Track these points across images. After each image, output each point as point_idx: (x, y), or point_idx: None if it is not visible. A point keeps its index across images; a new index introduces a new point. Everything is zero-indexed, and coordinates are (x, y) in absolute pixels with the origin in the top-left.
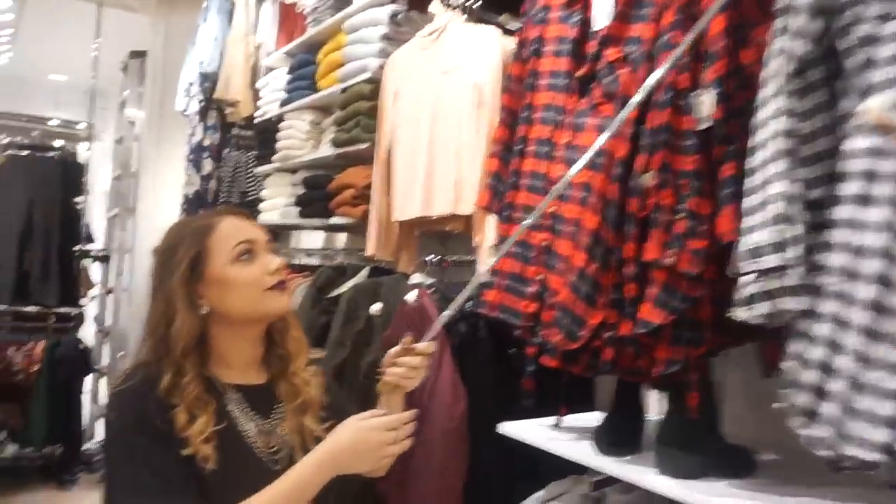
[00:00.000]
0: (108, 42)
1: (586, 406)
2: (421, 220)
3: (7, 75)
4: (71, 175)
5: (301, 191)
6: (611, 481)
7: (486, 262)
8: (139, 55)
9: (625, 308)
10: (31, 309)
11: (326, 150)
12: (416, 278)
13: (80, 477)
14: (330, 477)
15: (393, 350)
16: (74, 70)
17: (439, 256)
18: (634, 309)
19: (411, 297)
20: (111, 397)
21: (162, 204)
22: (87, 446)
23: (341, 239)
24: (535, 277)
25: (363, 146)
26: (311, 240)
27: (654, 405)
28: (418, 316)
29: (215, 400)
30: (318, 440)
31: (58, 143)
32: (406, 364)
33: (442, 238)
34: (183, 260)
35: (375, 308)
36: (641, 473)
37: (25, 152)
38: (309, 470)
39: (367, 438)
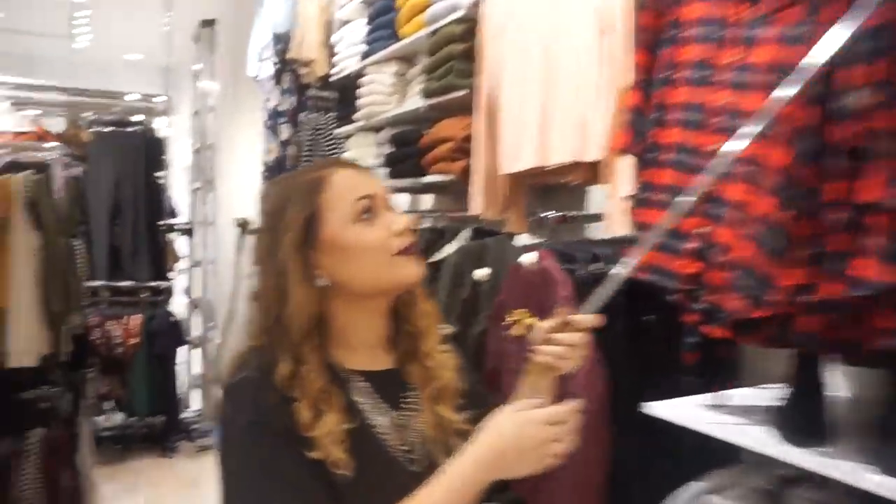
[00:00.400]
0: (180, 15)
1: (727, 379)
2: (534, 172)
3: (84, 59)
4: (153, 150)
5: (389, 149)
6: (789, 473)
7: (616, 215)
8: (210, 24)
9: (828, 264)
10: (125, 284)
11: (415, 103)
12: (523, 238)
13: (180, 445)
14: (491, 480)
15: (545, 324)
16: (149, 48)
17: (560, 213)
18: (843, 265)
19: (529, 259)
20: (225, 391)
21: (241, 174)
22: (184, 415)
23: (426, 200)
24: (696, 231)
25: (459, 94)
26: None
27: (837, 383)
28: (540, 281)
29: (340, 391)
30: (460, 434)
31: (137, 118)
32: (564, 342)
33: (544, 192)
34: (293, 223)
35: (482, 273)
36: (854, 471)
37: (109, 128)
38: (469, 471)
39: (531, 434)
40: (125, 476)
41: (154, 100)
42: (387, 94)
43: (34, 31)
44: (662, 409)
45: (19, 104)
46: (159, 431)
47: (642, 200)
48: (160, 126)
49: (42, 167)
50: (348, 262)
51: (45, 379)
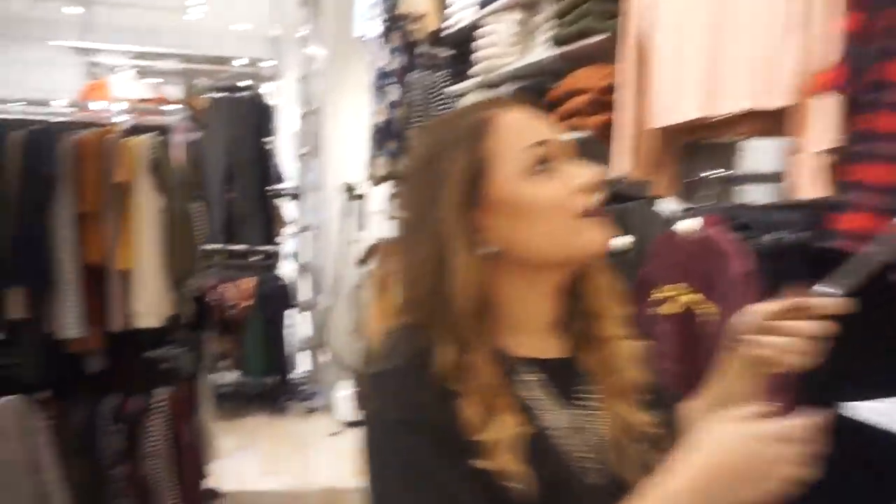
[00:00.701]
0: None
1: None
2: (692, 126)
3: (195, 30)
4: (263, 116)
5: None
6: None
7: (807, 174)
8: None
9: None
10: (239, 247)
11: (541, 53)
12: (669, 203)
13: (290, 405)
14: None
15: (767, 307)
16: (257, 17)
17: (725, 172)
18: None
19: (688, 226)
20: (370, 380)
21: (348, 138)
22: (291, 377)
23: None
24: None
25: (597, 39)
26: None
27: None
28: (702, 252)
29: (510, 384)
30: (648, 441)
31: (243, 83)
32: (798, 331)
33: (686, 151)
34: (454, 176)
35: (622, 242)
36: None
37: (221, 94)
38: (681, 495)
39: (761, 454)
40: (240, 432)
41: (262, 64)
42: (508, 45)
43: (148, 5)
44: (873, 410)
45: (141, 73)
46: (271, 391)
47: (857, 154)
48: (268, 91)
49: (164, 130)
50: (520, 225)
51: (168, 339)
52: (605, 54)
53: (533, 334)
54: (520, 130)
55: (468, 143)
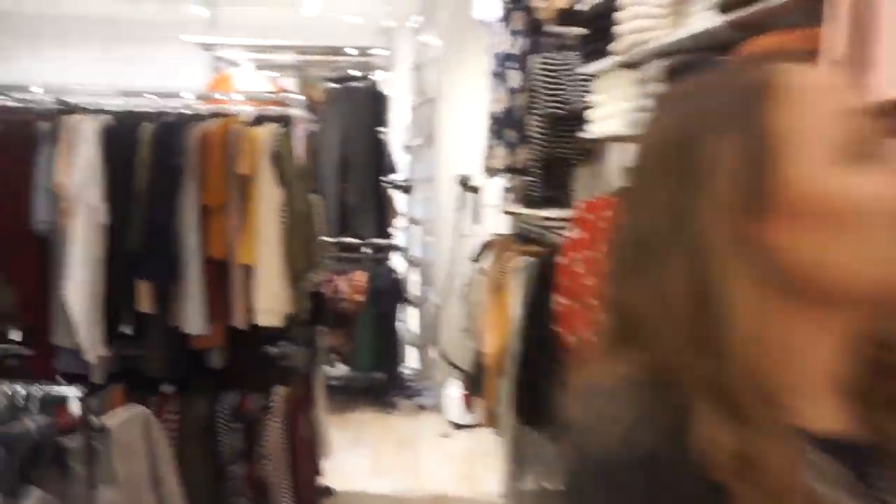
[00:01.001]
0: None
1: None
2: None
3: (308, 24)
4: (378, 105)
5: (660, 87)
6: None
7: None
8: None
9: None
10: (352, 240)
11: (702, 23)
12: None
13: (397, 402)
14: None
15: None
16: (370, 9)
17: None
18: None
19: None
20: (594, 474)
21: (463, 128)
22: (399, 372)
23: None
24: None
25: (778, 1)
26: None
27: None
28: None
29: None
30: None
31: (358, 73)
32: None
33: None
34: (723, 164)
35: None
36: None
37: (337, 85)
38: None
39: None
40: (348, 427)
41: (374, 51)
42: (657, 17)
43: (266, 1)
44: None
45: (259, 66)
46: (379, 387)
47: None
48: (382, 80)
49: (286, 121)
50: (829, 238)
51: (284, 335)
52: (788, 18)
53: (815, 399)
54: (821, 97)
55: (743, 117)
